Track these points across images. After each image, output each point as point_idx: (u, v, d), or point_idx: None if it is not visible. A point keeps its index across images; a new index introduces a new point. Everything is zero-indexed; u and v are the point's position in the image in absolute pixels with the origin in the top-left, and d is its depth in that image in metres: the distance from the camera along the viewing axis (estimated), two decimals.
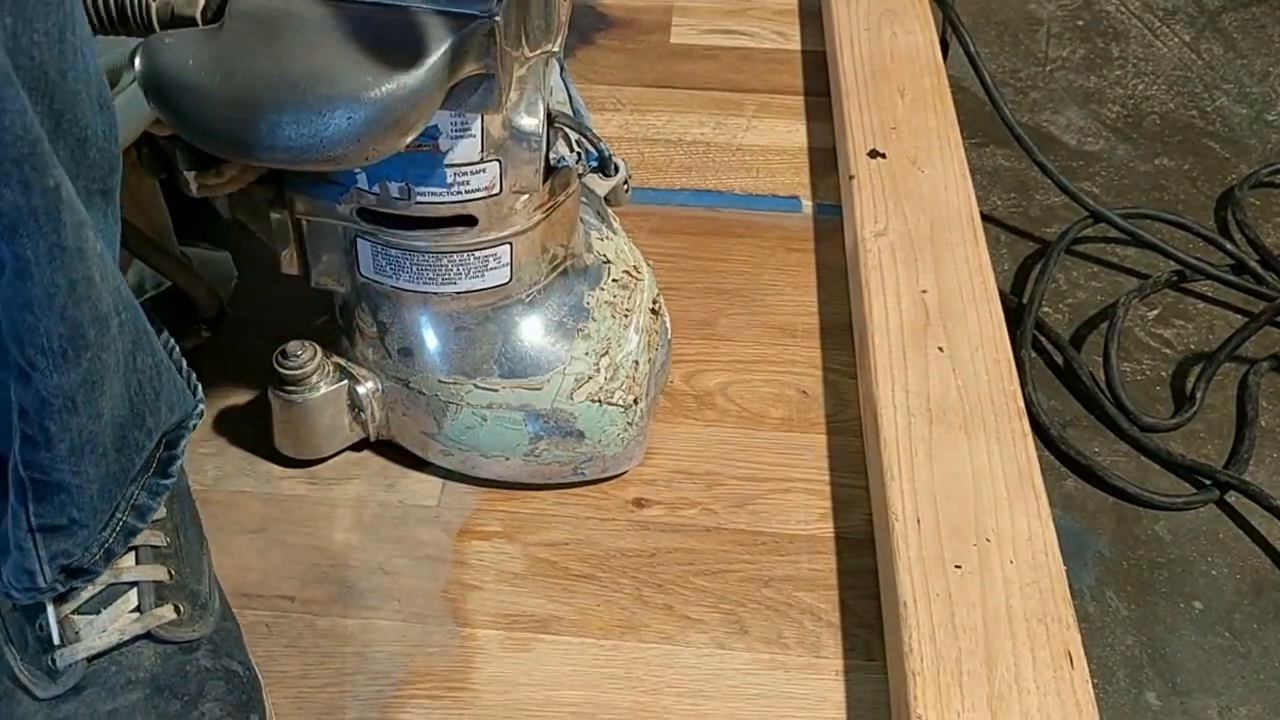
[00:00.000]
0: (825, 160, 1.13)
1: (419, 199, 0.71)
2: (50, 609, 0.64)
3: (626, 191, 0.82)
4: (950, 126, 1.10)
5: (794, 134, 1.17)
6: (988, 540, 0.75)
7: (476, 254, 0.75)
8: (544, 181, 0.73)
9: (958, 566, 0.74)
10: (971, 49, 1.26)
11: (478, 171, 0.70)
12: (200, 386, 0.69)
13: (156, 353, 0.62)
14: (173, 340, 0.69)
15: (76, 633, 0.64)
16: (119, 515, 0.63)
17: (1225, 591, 0.92)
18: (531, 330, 0.79)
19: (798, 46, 1.30)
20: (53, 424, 0.56)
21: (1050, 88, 1.49)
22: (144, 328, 0.61)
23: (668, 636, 0.75)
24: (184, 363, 0.68)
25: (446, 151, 0.69)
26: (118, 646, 0.64)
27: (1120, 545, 0.96)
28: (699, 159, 1.14)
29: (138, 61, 0.61)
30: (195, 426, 0.67)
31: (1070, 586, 0.73)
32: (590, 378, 0.79)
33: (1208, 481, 1.00)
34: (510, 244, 0.75)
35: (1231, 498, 0.99)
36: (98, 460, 0.59)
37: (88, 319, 0.54)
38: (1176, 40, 1.58)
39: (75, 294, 0.53)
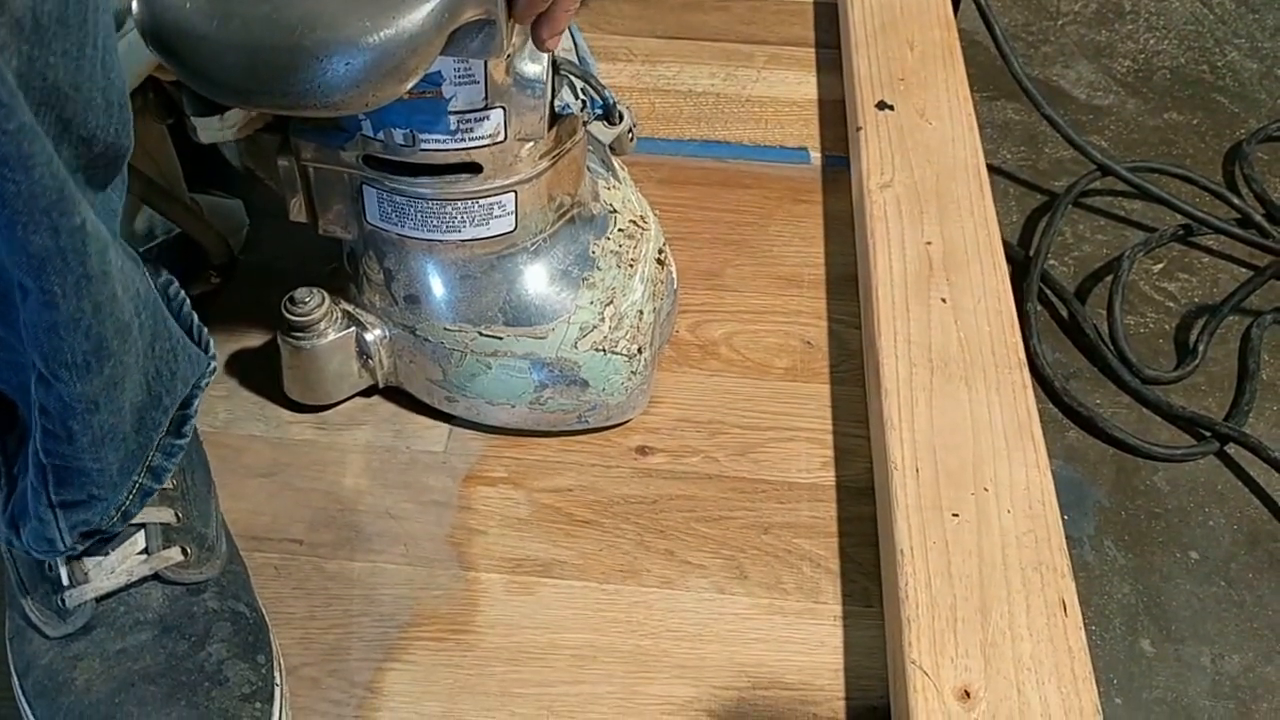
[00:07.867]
0: (834, 112, 1.13)
1: (423, 146, 0.71)
2: None
3: (631, 140, 0.82)
4: (959, 79, 1.09)
5: (804, 86, 1.17)
6: (985, 490, 0.76)
7: (481, 201, 0.75)
8: (549, 129, 0.73)
9: (955, 515, 0.75)
10: (983, 1, 1.25)
11: (482, 118, 0.71)
12: (212, 342, 0.69)
13: (173, 334, 0.63)
14: (183, 294, 0.69)
15: (85, 574, 0.65)
16: (135, 479, 0.64)
17: (1222, 542, 0.93)
18: (537, 279, 0.80)
19: None
20: (76, 424, 0.56)
21: (1061, 42, 1.48)
22: (161, 315, 0.61)
23: (669, 581, 0.76)
24: (195, 318, 0.68)
25: (450, 98, 0.69)
26: (126, 588, 0.65)
27: (1120, 495, 0.97)
28: (709, 110, 1.14)
29: (135, 6, 0.60)
30: (208, 384, 0.68)
31: (1069, 536, 0.74)
32: (595, 327, 0.80)
33: (1207, 433, 1.01)
34: (515, 192, 0.75)
35: (1231, 449, 1.00)
36: (117, 445, 0.60)
37: (110, 332, 0.54)
38: None
39: (100, 314, 0.53)
